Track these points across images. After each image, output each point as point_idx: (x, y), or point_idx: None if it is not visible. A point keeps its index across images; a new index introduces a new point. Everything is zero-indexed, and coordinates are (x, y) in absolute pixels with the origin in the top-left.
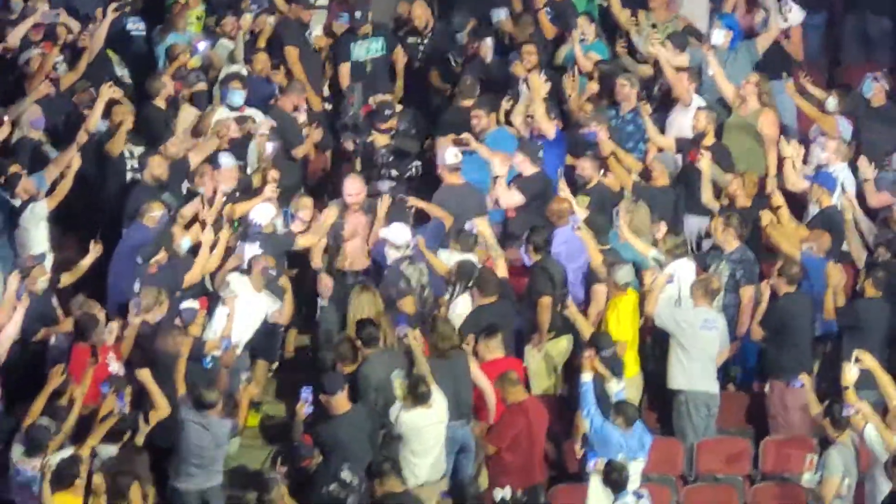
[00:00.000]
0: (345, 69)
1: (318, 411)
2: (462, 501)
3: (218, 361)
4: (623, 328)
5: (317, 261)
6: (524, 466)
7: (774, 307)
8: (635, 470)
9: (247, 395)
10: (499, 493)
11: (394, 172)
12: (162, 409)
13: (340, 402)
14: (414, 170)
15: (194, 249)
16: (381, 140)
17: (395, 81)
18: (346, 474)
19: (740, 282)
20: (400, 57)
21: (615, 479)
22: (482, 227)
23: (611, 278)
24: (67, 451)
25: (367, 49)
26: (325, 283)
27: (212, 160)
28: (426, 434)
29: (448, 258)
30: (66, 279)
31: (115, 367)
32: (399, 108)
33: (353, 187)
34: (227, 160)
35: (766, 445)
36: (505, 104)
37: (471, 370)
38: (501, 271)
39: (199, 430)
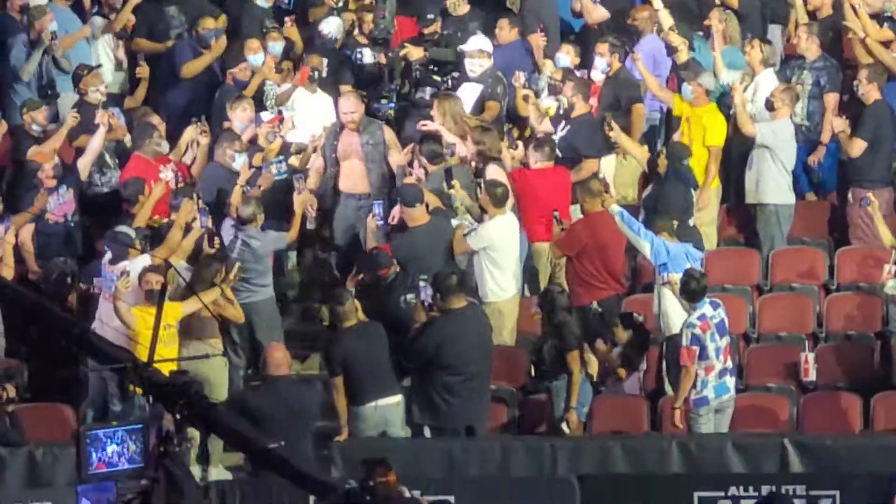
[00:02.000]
0: None
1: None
2: (552, 308)
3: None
4: (712, 136)
5: (313, 181)
6: (598, 277)
7: (870, 113)
8: None
9: (300, 203)
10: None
11: (434, 80)
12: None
13: (418, 213)
14: (454, 80)
15: None
16: (415, 53)
17: None
18: (422, 284)
19: (824, 88)
20: None
21: (693, 287)
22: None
23: (696, 83)
24: (146, 259)
25: None
26: (310, 204)
27: None
28: (506, 244)
29: None
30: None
31: (169, 176)
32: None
33: (349, 106)
34: None
35: (843, 255)
36: None
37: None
38: None
39: (240, 247)
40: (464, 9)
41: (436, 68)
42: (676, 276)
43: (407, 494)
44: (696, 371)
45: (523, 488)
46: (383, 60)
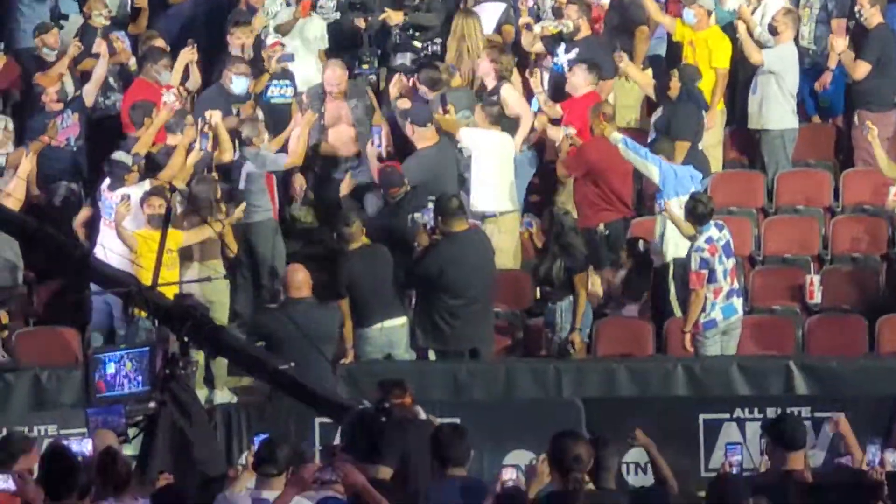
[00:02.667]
0: None
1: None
2: (560, 229)
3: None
4: (718, 58)
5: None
6: (605, 199)
7: (874, 36)
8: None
9: (306, 123)
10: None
11: (414, 46)
12: (228, 151)
13: (427, 134)
14: (436, 46)
15: None
16: (395, 17)
17: None
18: (431, 205)
19: (832, 13)
20: None
21: (701, 211)
22: None
23: (697, 6)
24: (146, 185)
25: None
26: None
27: None
28: (493, 157)
29: None
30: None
31: (171, 100)
32: None
33: (334, 76)
34: None
35: (849, 177)
36: None
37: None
38: None
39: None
40: None
41: (416, 33)
42: (676, 201)
43: (422, 416)
44: (704, 294)
45: (528, 411)
46: (362, 25)
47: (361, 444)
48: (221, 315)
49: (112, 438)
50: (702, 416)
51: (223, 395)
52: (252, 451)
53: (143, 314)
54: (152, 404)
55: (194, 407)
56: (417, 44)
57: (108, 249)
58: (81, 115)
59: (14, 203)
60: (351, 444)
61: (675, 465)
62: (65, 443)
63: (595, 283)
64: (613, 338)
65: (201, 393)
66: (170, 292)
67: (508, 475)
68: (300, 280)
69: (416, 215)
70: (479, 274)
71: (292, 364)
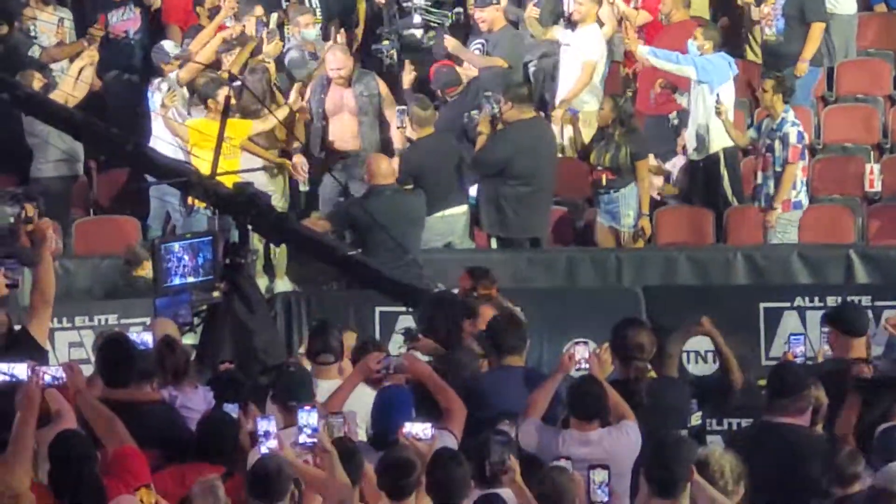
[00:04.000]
0: None
1: None
2: (625, 117)
3: None
4: None
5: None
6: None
7: None
8: None
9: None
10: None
11: (431, 21)
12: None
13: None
14: (455, 17)
15: None
16: None
17: None
18: (485, 101)
19: None
20: None
21: (789, 85)
22: None
23: None
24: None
25: None
26: (300, 166)
27: None
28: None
29: None
30: None
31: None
32: None
33: (336, 61)
34: None
35: None
36: None
37: None
38: None
39: None
40: None
41: (434, 6)
42: (724, 102)
43: (506, 304)
44: (796, 171)
45: (588, 299)
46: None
47: (442, 329)
48: (282, 204)
49: (171, 327)
50: (762, 305)
51: (283, 284)
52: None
53: (202, 204)
54: (216, 294)
55: (255, 296)
56: (435, 19)
57: (160, 139)
58: (143, 10)
59: (78, 92)
60: (431, 328)
61: (735, 354)
62: (125, 333)
63: (656, 171)
64: (674, 226)
65: (261, 282)
66: (228, 181)
67: (581, 353)
68: (384, 168)
69: (473, 112)
70: (545, 162)
71: (359, 250)
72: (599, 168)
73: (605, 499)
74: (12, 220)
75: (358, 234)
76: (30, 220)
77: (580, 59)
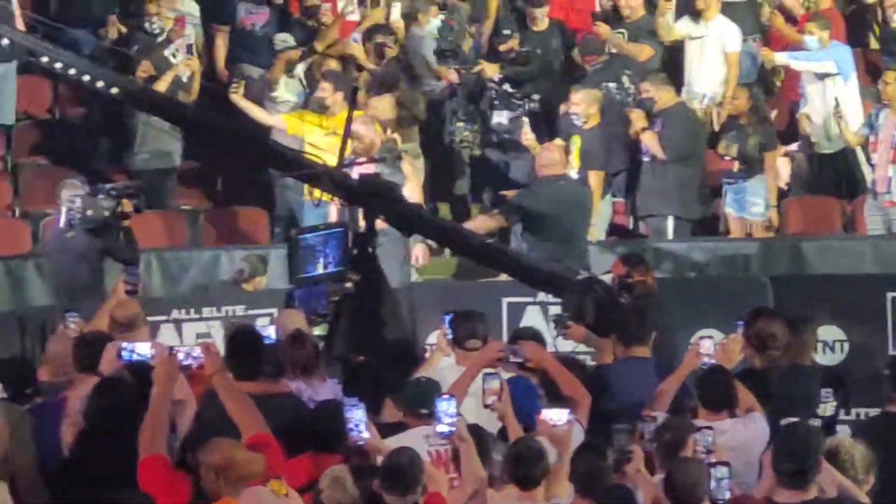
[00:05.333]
0: None
1: None
2: (756, 106)
3: None
4: None
5: None
6: None
7: None
8: None
9: None
10: None
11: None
12: None
13: None
14: (534, 104)
15: None
16: (490, 69)
17: None
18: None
19: None
20: None
21: None
22: None
23: None
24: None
25: None
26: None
27: None
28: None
29: None
30: None
31: None
32: None
33: (364, 131)
34: None
35: None
36: None
37: None
38: None
39: None
40: (544, 23)
41: (514, 89)
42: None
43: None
44: None
45: (716, 289)
46: (454, 77)
47: (588, 316)
48: (414, 193)
49: (300, 319)
50: (890, 295)
51: (412, 275)
52: (443, 331)
53: (328, 197)
54: (349, 284)
55: (384, 286)
56: (516, 101)
57: (280, 132)
58: (272, 4)
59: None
60: (578, 315)
61: (863, 343)
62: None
63: (784, 163)
64: (802, 215)
65: None
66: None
67: (706, 348)
68: (554, 158)
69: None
70: (702, 143)
71: (494, 239)
72: (727, 158)
73: (727, 496)
74: (107, 213)
75: (527, 224)
76: (126, 215)
77: (719, 49)
